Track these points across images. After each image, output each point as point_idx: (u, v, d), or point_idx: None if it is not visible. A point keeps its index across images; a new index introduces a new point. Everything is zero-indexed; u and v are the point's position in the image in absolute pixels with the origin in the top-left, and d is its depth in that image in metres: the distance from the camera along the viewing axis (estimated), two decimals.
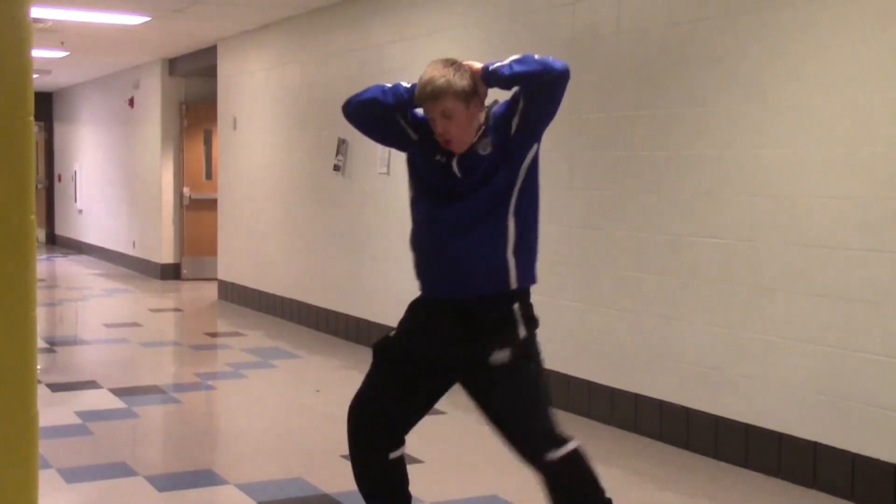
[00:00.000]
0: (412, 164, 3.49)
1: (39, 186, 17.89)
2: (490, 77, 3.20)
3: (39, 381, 5.09)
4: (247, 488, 4.58)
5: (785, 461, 4.72)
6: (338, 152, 8.49)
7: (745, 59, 4.86)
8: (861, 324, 4.38)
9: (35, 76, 2.98)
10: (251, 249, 10.41)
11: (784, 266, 4.70)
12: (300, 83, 9.25)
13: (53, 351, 8.01)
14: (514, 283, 3.27)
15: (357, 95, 3.45)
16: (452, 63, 3.27)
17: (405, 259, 8.28)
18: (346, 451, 5.14)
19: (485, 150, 3.25)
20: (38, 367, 2.50)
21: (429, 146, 3.34)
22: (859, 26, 4.38)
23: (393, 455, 3.41)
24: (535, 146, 3.27)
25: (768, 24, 4.75)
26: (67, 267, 14.63)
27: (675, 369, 5.26)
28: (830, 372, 4.51)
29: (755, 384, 4.86)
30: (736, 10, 4.90)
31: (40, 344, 8.02)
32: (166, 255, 12.89)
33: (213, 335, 9.21)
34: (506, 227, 3.24)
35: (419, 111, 3.36)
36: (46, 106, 18.11)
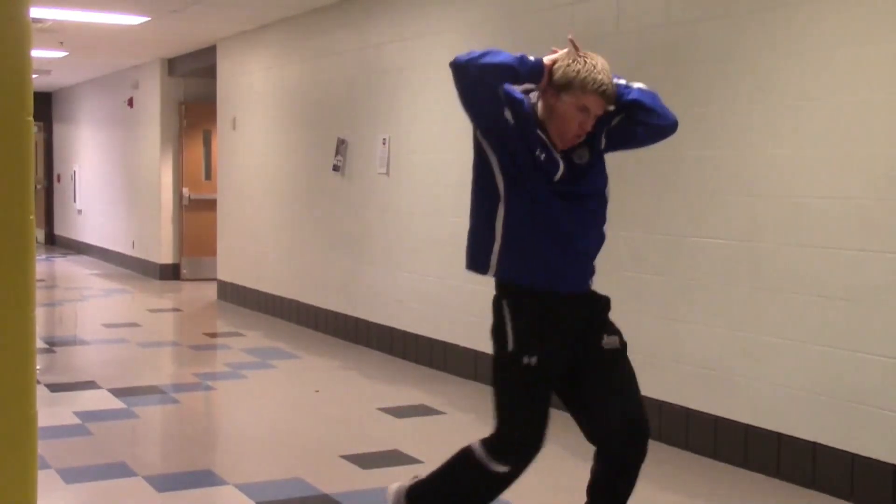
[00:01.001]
0: (508, 151, 3.21)
1: (39, 187, 17.89)
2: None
3: (38, 382, 5.09)
4: (246, 488, 4.58)
5: (784, 461, 4.72)
6: (337, 152, 8.48)
7: (745, 59, 4.86)
8: (861, 324, 4.38)
9: (34, 76, 2.99)
10: (250, 250, 10.41)
11: (784, 266, 4.70)
12: (300, 83, 9.25)
13: (53, 351, 8.01)
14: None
15: (482, 56, 3.12)
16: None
17: (405, 259, 8.30)
18: (346, 452, 5.18)
19: (581, 159, 3.30)
20: (38, 367, 2.50)
21: (529, 137, 3.20)
22: (860, 26, 4.38)
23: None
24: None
25: (768, 24, 4.75)
26: (66, 267, 14.62)
27: (674, 369, 5.26)
28: (830, 372, 4.51)
29: (755, 384, 4.86)
30: (736, 10, 4.90)
31: (39, 344, 8.01)
32: (165, 256, 12.89)
33: (213, 335, 9.21)
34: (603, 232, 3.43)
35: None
36: (46, 106, 18.11)
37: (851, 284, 4.41)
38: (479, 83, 3.13)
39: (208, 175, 12.74)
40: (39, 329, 8.69)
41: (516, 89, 3.23)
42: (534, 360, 3.24)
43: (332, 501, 4.44)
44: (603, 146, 3.34)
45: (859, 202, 4.37)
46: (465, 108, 3.21)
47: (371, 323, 8.08)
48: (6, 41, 2.30)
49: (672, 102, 5.23)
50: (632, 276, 5.44)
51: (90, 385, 6.72)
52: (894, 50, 4.24)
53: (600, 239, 3.45)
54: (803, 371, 4.62)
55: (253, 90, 10.30)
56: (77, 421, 5.74)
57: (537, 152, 3.18)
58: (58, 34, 10.44)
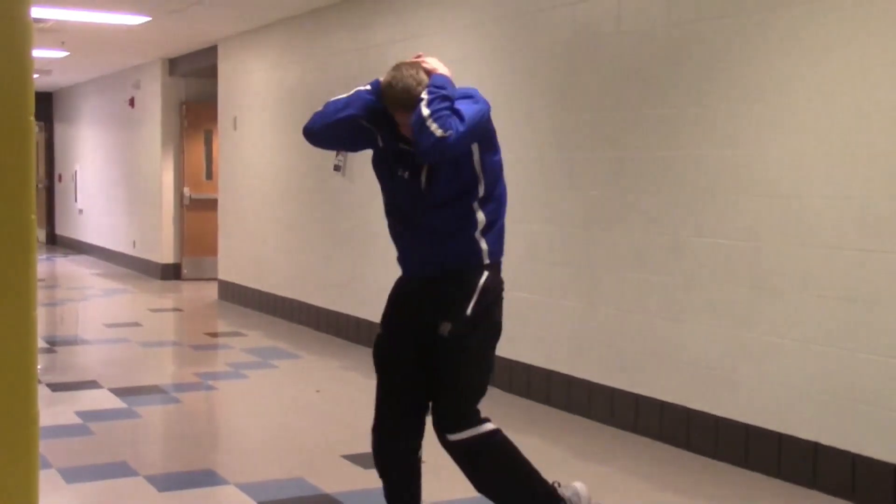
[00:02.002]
0: (381, 159, 3.68)
1: (40, 186, 17.89)
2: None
3: (40, 381, 5.09)
4: (247, 488, 4.58)
5: (785, 461, 4.72)
6: (338, 152, 8.49)
7: (746, 59, 4.86)
8: (861, 324, 4.38)
9: (35, 76, 2.99)
10: (251, 249, 10.41)
11: (784, 266, 4.70)
12: (301, 83, 9.26)
13: (54, 351, 8.01)
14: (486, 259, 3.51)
15: (321, 118, 3.76)
16: (414, 65, 3.60)
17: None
18: (347, 452, 5.17)
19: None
20: (39, 366, 2.50)
21: (389, 136, 3.60)
22: (860, 26, 4.38)
23: (417, 454, 3.67)
24: (472, 146, 3.46)
25: (768, 24, 4.75)
26: (68, 267, 14.63)
27: (675, 369, 5.26)
28: (831, 372, 4.51)
29: (755, 384, 4.86)
30: (736, 11, 4.90)
31: (41, 344, 8.02)
32: (167, 255, 12.90)
33: (214, 335, 9.21)
34: (472, 213, 3.48)
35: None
36: (47, 106, 18.11)
37: (851, 284, 4.41)
38: (327, 139, 3.83)
39: (209, 175, 12.75)
40: (41, 329, 8.70)
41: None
42: (382, 331, 3.66)
43: (334, 501, 4.44)
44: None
45: (859, 202, 4.37)
46: (347, 149, 3.88)
47: (372, 323, 8.08)
48: (7, 41, 2.30)
49: (672, 102, 5.26)
50: (632, 275, 5.44)
51: (91, 385, 6.72)
52: (894, 49, 4.24)
53: (437, 223, 3.52)
54: (804, 371, 4.62)
55: (254, 90, 10.31)
56: (78, 420, 5.74)
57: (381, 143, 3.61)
58: (59, 34, 10.45)
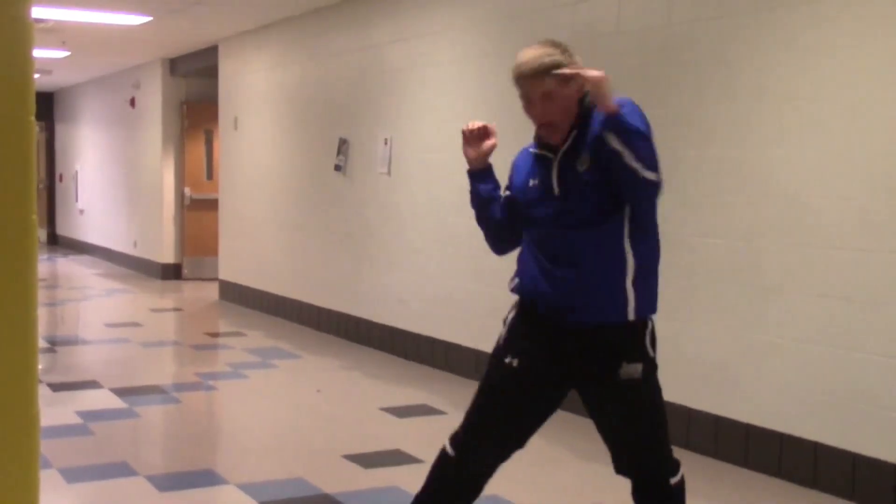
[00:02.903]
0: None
1: (40, 186, 17.90)
2: (616, 123, 2.89)
3: (40, 381, 5.10)
4: (247, 488, 4.59)
5: (785, 461, 4.72)
6: (339, 152, 8.49)
7: (745, 60, 4.86)
8: (861, 324, 4.38)
9: (36, 76, 2.99)
10: (252, 249, 10.41)
11: (784, 266, 4.70)
12: (301, 83, 9.26)
13: (54, 351, 8.02)
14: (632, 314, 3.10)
15: (489, 240, 3.31)
16: (558, 45, 3.05)
17: (406, 258, 8.31)
18: (348, 452, 5.18)
19: (583, 165, 3.00)
20: (40, 366, 2.50)
21: (524, 176, 3.16)
22: (860, 26, 4.38)
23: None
24: None
25: (768, 24, 4.75)
26: (68, 267, 14.63)
27: (675, 369, 5.26)
28: (831, 372, 4.51)
29: (756, 384, 4.86)
30: (735, 11, 4.90)
31: (41, 344, 8.02)
32: (167, 255, 12.90)
33: (214, 335, 9.21)
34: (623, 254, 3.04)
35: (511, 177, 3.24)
36: (48, 106, 18.11)
37: (851, 284, 4.41)
38: (492, 228, 3.27)
39: (210, 175, 12.75)
40: (41, 329, 8.69)
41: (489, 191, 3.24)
42: (515, 361, 3.12)
43: (334, 501, 4.44)
44: (590, 159, 2.99)
45: (859, 202, 4.37)
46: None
47: (372, 322, 8.08)
48: (8, 41, 2.30)
49: (672, 102, 5.26)
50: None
51: (92, 385, 6.72)
52: (894, 49, 4.24)
53: (596, 267, 3.03)
54: (804, 371, 4.62)
55: (254, 90, 10.31)
56: (79, 420, 5.75)
57: (531, 182, 3.12)
58: (60, 34, 10.45)
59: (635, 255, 3.05)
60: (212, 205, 12.09)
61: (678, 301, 5.22)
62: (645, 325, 3.13)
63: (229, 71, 10.94)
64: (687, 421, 5.20)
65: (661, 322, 5.22)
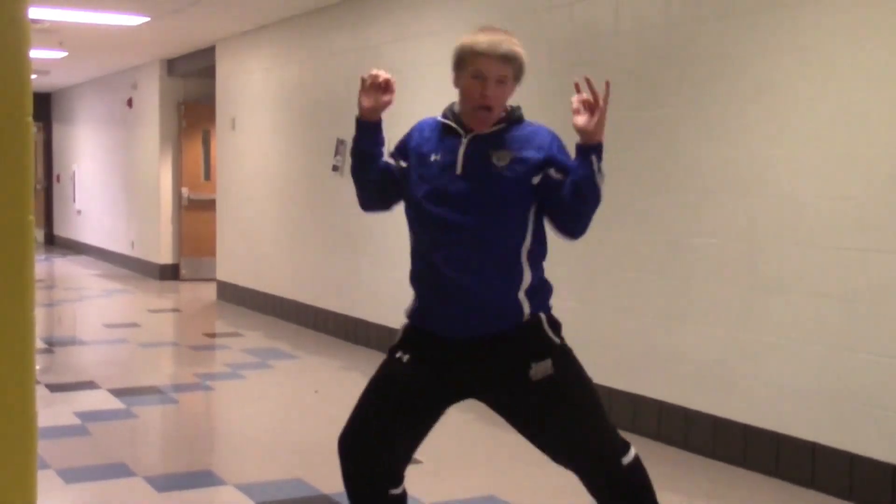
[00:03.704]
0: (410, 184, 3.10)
1: (38, 187, 17.88)
2: (592, 150, 2.91)
3: (38, 382, 5.09)
4: (245, 489, 4.58)
5: (783, 461, 4.72)
6: (336, 153, 8.49)
7: (743, 59, 4.86)
8: (860, 324, 4.38)
9: (34, 77, 2.99)
10: (250, 250, 10.41)
11: (784, 266, 4.70)
12: (299, 83, 9.26)
13: (52, 351, 8.01)
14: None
15: (357, 192, 3.24)
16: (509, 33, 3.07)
17: (404, 259, 8.28)
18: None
19: (500, 160, 2.96)
20: (37, 367, 2.50)
21: (427, 147, 3.07)
22: (858, 26, 4.38)
23: (394, 492, 3.09)
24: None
25: (766, 24, 4.76)
26: (66, 267, 14.62)
27: (673, 369, 5.26)
28: (829, 372, 4.51)
29: (754, 384, 4.86)
30: (734, 11, 4.91)
31: (39, 344, 8.01)
32: (165, 256, 12.89)
33: (212, 336, 9.21)
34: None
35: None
36: (45, 106, 18.11)
37: (851, 284, 4.41)
38: (367, 183, 3.18)
39: (207, 175, 12.75)
40: (39, 329, 8.68)
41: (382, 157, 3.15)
42: (406, 357, 3.05)
43: (332, 502, 4.44)
44: (536, 182, 2.94)
45: (859, 202, 4.37)
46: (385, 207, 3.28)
47: (370, 323, 8.08)
48: (5, 41, 2.30)
49: (671, 102, 5.26)
50: (631, 276, 5.44)
51: (90, 385, 6.72)
52: (894, 49, 4.24)
53: (493, 277, 2.94)
54: (802, 371, 4.62)
55: (252, 90, 10.30)
56: (77, 421, 5.74)
57: (432, 156, 3.02)
58: (57, 34, 10.44)
59: (532, 271, 3.00)
60: (209, 205, 12.08)
61: (676, 301, 5.22)
62: (538, 320, 2.98)
63: (227, 71, 10.93)
64: (685, 421, 5.20)
65: (660, 321, 5.25)
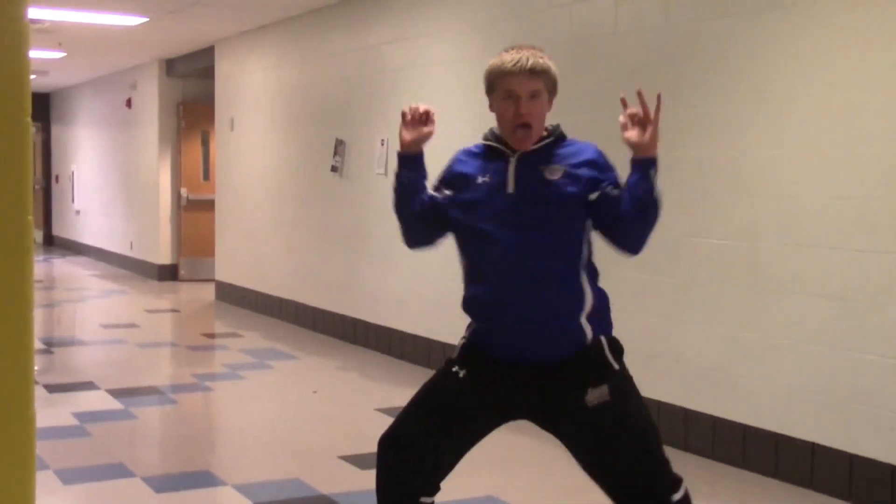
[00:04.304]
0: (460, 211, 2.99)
1: (37, 187, 17.88)
2: (650, 164, 2.92)
3: (37, 382, 5.09)
4: (244, 489, 4.58)
5: (783, 462, 4.72)
6: (335, 153, 8.48)
7: (744, 60, 4.86)
8: (860, 324, 4.38)
9: (32, 77, 2.99)
10: (249, 250, 10.41)
11: (783, 266, 4.70)
12: (298, 84, 9.25)
13: (51, 352, 8.00)
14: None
15: (401, 229, 3.13)
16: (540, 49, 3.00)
17: (403, 259, 8.29)
18: (344, 452, 5.17)
19: (553, 174, 2.90)
20: (36, 368, 2.50)
21: (473, 172, 2.99)
22: (859, 26, 4.38)
23: (426, 501, 3.01)
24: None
25: (766, 24, 4.75)
26: (65, 268, 14.62)
27: (673, 370, 5.26)
28: (829, 372, 4.51)
29: (753, 385, 4.86)
30: (733, 11, 4.90)
31: (37, 345, 8.01)
32: (164, 256, 12.89)
33: (211, 336, 9.20)
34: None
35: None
36: (44, 107, 18.10)
37: (851, 284, 4.41)
38: (411, 219, 3.08)
39: (206, 176, 12.74)
40: (38, 330, 8.69)
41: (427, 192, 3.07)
42: (462, 372, 3.00)
43: (331, 502, 4.44)
44: (592, 199, 2.90)
45: (859, 202, 4.37)
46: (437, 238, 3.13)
47: (369, 323, 8.08)
48: (4, 42, 2.30)
49: (671, 102, 5.23)
50: (631, 276, 5.44)
51: (88, 386, 6.71)
52: (893, 50, 4.24)
53: (550, 301, 2.86)
54: (802, 371, 4.62)
55: (251, 91, 10.30)
56: (75, 422, 5.74)
57: (480, 179, 2.95)
58: (56, 35, 10.44)
59: (593, 293, 2.95)
60: (208, 206, 12.08)
61: (676, 301, 5.22)
62: (600, 344, 2.92)
63: (226, 72, 10.93)
64: (684, 422, 5.20)
65: (660, 322, 5.24)
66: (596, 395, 2.83)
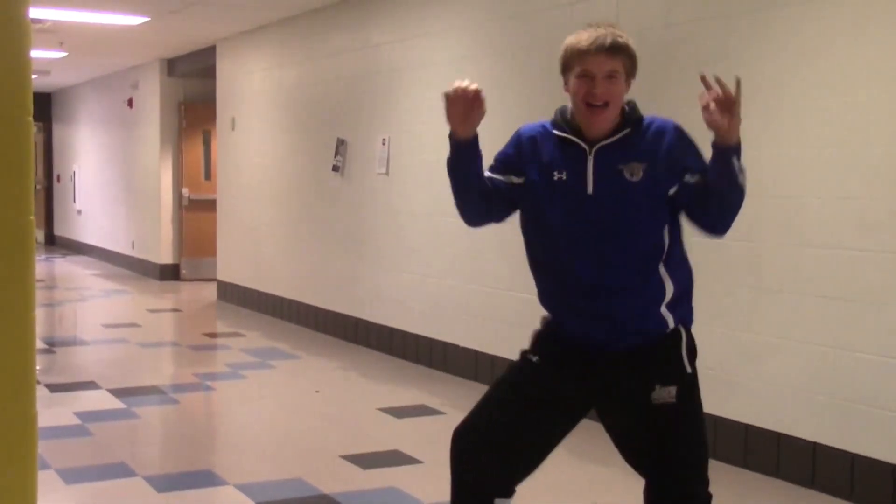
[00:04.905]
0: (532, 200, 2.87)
1: (38, 187, 17.88)
2: (732, 150, 2.90)
3: (38, 382, 5.08)
4: (246, 489, 4.58)
5: (784, 461, 4.72)
6: (336, 153, 8.49)
7: (743, 60, 4.86)
8: (861, 324, 4.38)
9: (34, 77, 3.00)
10: (250, 250, 10.41)
11: (784, 266, 4.70)
12: (299, 83, 9.26)
13: (52, 352, 8.01)
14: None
15: (458, 204, 2.97)
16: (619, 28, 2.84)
17: (404, 259, 8.29)
18: (346, 452, 5.17)
19: (633, 174, 2.79)
20: (38, 367, 2.50)
21: (547, 161, 2.83)
22: (858, 26, 4.38)
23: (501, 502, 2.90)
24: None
25: (766, 24, 4.75)
26: (66, 267, 14.62)
27: None
28: (830, 372, 4.51)
29: (754, 384, 4.86)
30: (733, 11, 4.90)
31: (39, 345, 8.01)
32: (165, 256, 12.89)
33: (212, 336, 9.20)
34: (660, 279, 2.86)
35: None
36: (45, 106, 18.10)
37: (851, 284, 4.41)
38: (471, 202, 2.93)
39: (208, 175, 12.74)
40: (39, 329, 8.69)
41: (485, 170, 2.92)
42: (536, 358, 2.91)
43: (332, 501, 4.44)
44: (673, 191, 2.83)
45: (859, 202, 4.37)
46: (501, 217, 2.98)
47: (371, 323, 8.08)
48: (5, 41, 2.30)
49: (671, 102, 5.25)
50: None
51: (90, 385, 6.72)
52: (893, 50, 4.24)
53: (635, 301, 2.82)
54: (803, 371, 4.62)
55: (252, 90, 10.30)
56: (77, 421, 5.74)
57: (556, 174, 2.81)
58: (57, 34, 10.44)
59: (674, 282, 2.90)
60: (210, 205, 12.08)
61: None
62: (679, 338, 2.90)
63: (227, 71, 10.93)
64: None
65: None
66: (663, 394, 2.81)
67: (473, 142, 2.83)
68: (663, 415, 2.81)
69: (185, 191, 12.77)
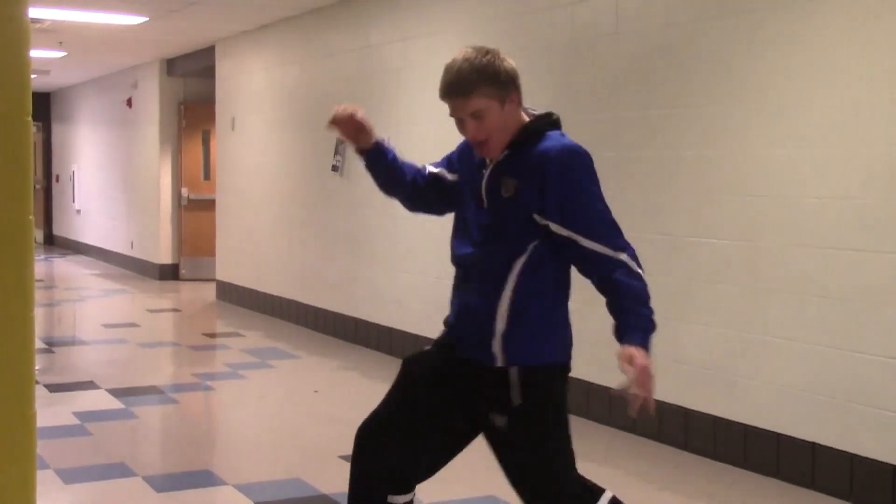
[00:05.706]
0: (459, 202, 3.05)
1: (37, 187, 17.88)
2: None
3: (38, 382, 5.09)
4: (245, 489, 4.58)
5: (783, 462, 4.72)
6: (336, 153, 8.49)
7: (744, 60, 4.86)
8: (860, 324, 4.38)
9: (33, 76, 3.00)
10: (249, 250, 10.41)
11: (783, 266, 4.70)
12: (299, 83, 9.25)
13: (51, 351, 8.01)
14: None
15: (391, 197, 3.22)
16: (487, 52, 2.77)
17: (403, 259, 8.30)
18: (345, 452, 5.16)
19: (506, 191, 2.80)
20: (37, 367, 2.50)
21: (468, 171, 2.97)
22: (858, 26, 4.38)
23: (395, 501, 2.87)
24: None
25: (766, 24, 4.75)
26: (65, 267, 14.62)
27: (673, 370, 5.26)
28: (829, 372, 4.51)
29: (754, 384, 4.86)
30: (734, 11, 4.90)
31: (38, 344, 8.01)
32: (165, 256, 12.89)
33: (212, 336, 9.20)
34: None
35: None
36: (44, 106, 18.10)
37: (851, 284, 4.41)
38: (399, 193, 3.19)
39: (207, 175, 12.74)
40: (38, 329, 8.69)
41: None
42: (429, 348, 3.09)
43: (331, 502, 4.44)
44: (541, 218, 2.78)
45: (859, 202, 4.37)
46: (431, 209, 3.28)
47: (370, 323, 8.08)
48: (5, 41, 2.30)
49: (671, 103, 5.26)
50: None
51: (89, 385, 6.72)
52: (893, 50, 4.24)
53: (483, 302, 2.86)
54: (802, 371, 4.62)
55: (252, 90, 10.30)
56: (76, 421, 5.74)
57: (465, 182, 3.00)
58: (57, 34, 10.44)
59: (515, 316, 2.85)
60: (209, 205, 12.08)
61: (676, 301, 5.22)
62: (505, 374, 2.81)
63: (226, 71, 10.93)
64: (685, 422, 5.20)
65: (660, 322, 5.22)
66: (497, 419, 2.82)
67: (375, 147, 3.07)
68: (500, 437, 2.84)
69: (184, 191, 12.77)
